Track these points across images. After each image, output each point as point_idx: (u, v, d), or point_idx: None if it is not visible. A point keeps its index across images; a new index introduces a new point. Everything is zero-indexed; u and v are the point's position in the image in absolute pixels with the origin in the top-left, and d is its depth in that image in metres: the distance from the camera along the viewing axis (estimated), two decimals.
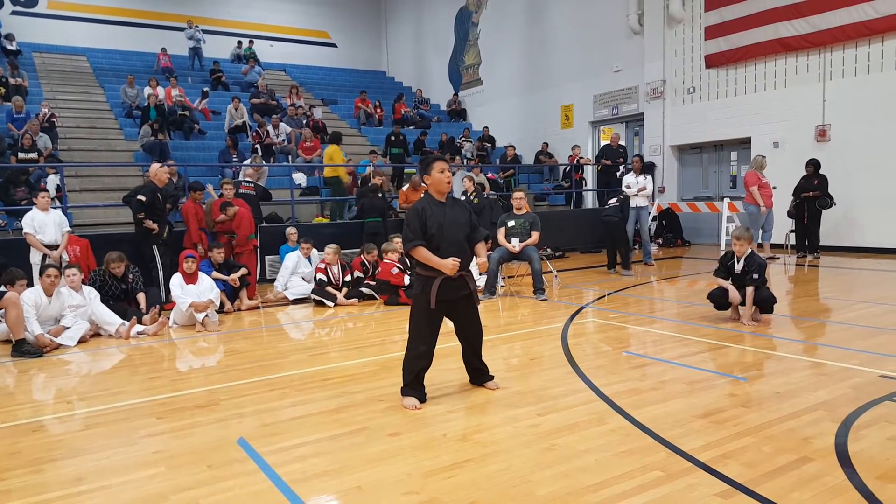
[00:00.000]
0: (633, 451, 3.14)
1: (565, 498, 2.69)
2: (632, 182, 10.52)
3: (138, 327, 6.50)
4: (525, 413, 3.74)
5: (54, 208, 8.02)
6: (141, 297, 7.03)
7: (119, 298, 6.97)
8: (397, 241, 8.17)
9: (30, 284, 6.61)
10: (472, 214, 4.19)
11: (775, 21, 12.17)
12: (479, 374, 4.29)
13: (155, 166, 8.19)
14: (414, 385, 3.98)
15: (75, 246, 8.08)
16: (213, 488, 2.89)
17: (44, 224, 7.52)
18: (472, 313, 4.12)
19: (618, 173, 13.96)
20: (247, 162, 11.70)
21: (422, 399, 3.96)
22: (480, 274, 8.60)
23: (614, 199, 10.08)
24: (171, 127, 13.72)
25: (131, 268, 7.19)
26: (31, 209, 7.66)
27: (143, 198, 7.75)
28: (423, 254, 3.85)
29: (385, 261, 8.17)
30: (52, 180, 10.17)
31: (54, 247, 7.55)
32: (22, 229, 7.54)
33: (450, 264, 3.80)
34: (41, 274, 6.25)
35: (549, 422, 3.59)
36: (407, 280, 7.81)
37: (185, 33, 19.00)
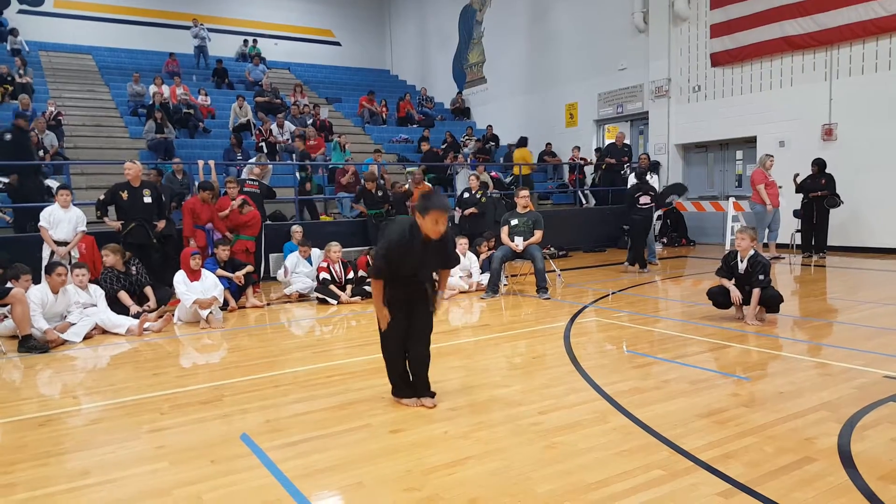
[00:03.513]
0: (634, 449, 3.15)
1: (566, 496, 2.69)
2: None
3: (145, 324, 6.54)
4: (527, 411, 3.75)
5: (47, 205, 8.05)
6: (148, 290, 7.05)
7: (129, 291, 6.98)
8: None
9: (37, 278, 6.65)
10: (451, 246, 4.01)
11: (781, 19, 12.12)
12: (418, 388, 3.96)
13: (128, 164, 8.13)
14: (401, 385, 3.96)
15: (81, 243, 8.11)
16: (216, 483, 2.91)
17: (59, 220, 7.57)
18: (422, 316, 3.87)
19: (622, 172, 13.97)
20: (252, 161, 11.73)
21: (418, 395, 3.93)
22: (482, 272, 8.63)
23: (647, 198, 9.90)
24: (175, 125, 13.75)
25: (133, 260, 7.22)
26: (48, 205, 7.75)
27: (101, 197, 7.79)
28: (378, 288, 3.78)
29: None
30: (50, 181, 10.18)
31: (65, 243, 7.59)
32: (33, 224, 7.60)
33: (384, 314, 3.77)
34: (49, 272, 6.28)
35: (551, 420, 3.59)
36: None
37: (190, 32, 19.05)
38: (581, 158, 15.23)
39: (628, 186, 10.78)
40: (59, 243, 7.54)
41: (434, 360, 4.27)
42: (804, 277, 9.17)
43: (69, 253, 7.59)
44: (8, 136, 9.88)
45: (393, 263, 3.72)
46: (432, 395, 3.98)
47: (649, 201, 9.84)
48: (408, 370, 3.97)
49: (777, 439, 3.23)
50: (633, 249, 9.85)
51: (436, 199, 3.75)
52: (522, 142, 15.74)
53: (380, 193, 10.62)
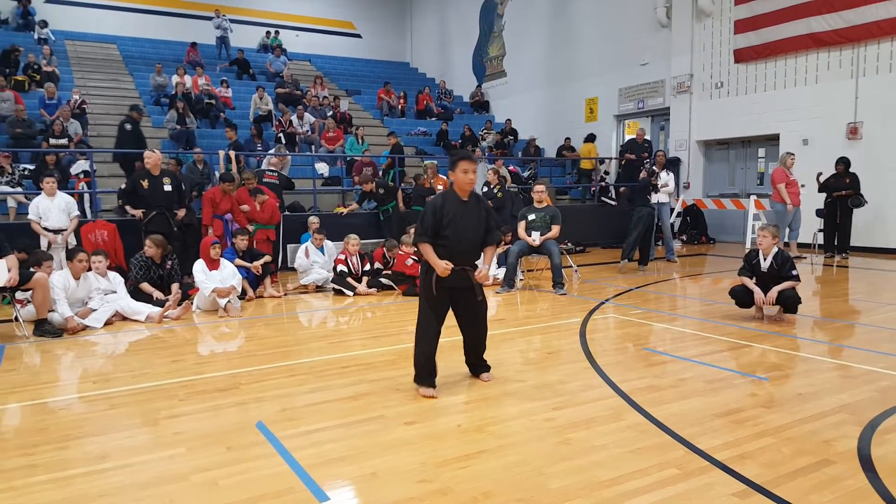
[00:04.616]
0: (649, 448, 3.13)
1: (579, 492, 2.68)
2: (663, 178, 10.39)
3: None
4: (541, 407, 3.74)
5: (73, 192, 8.13)
6: (175, 287, 7.08)
7: (156, 285, 7.00)
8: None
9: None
10: (491, 215, 4.18)
11: (807, 15, 11.90)
12: (475, 368, 4.33)
13: (147, 152, 8.18)
14: (424, 373, 4.03)
15: (103, 230, 8.23)
16: (232, 470, 2.94)
17: (48, 210, 7.62)
18: (473, 306, 4.12)
19: (642, 168, 13.84)
20: (271, 151, 11.80)
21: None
22: (499, 267, 8.61)
23: (654, 195, 9.94)
24: (197, 115, 13.86)
25: (171, 255, 7.27)
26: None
27: (122, 186, 7.85)
28: (426, 250, 3.98)
29: (400, 252, 8.22)
30: (80, 164, 10.37)
31: (58, 231, 7.64)
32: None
33: (442, 266, 3.89)
34: (70, 258, 6.37)
35: (565, 416, 3.58)
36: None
37: (212, 22, 19.15)
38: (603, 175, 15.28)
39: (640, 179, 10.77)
40: (54, 231, 7.60)
41: (449, 353, 4.33)
42: (826, 278, 9.03)
43: (66, 240, 7.66)
44: (129, 126, 10.09)
45: (429, 228, 3.93)
46: (488, 368, 4.31)
47: (656, 199, 9.88)
48: (434, 359, 4.05)
49: (795, 441, 3.19)
50: (641, 248, 9.81)
51: (462, 151, 4.18)
52: (590, 137, 15.75)
53: (381, 191, 10.57)
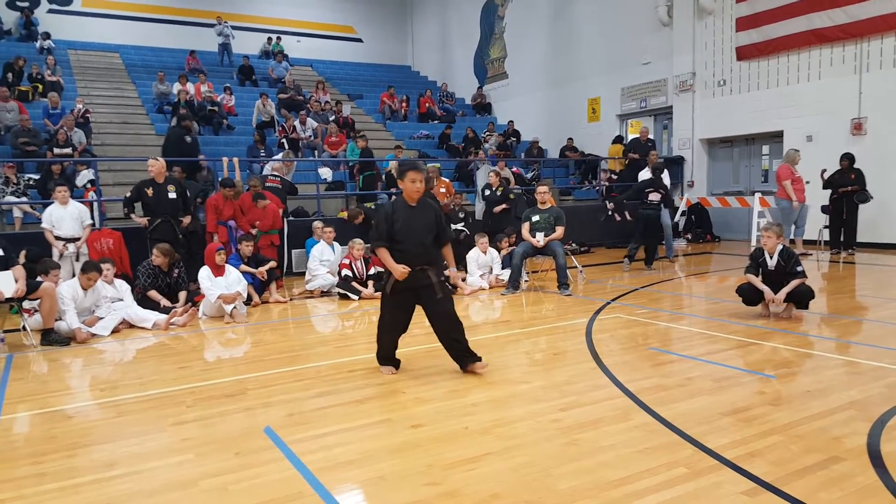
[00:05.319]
0: (657, 447, 3.12)
1: (587, 492, 2.68)
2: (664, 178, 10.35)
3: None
4: (548, 407, 3.74)
5: (82, 201, 8.18)
6: (182, 295, 7.10)
7: (163, 292, 7.02)
8: None
9: None
10: (441, 218, 4.51)
11: (810, 11, 11.86)
12: (462, 358, 4.44)
13: (151, 160, 8.19)
14: (384, 355, 4.56)
15: (108, 239, 8.27)
16: (241, 475, 2.95)
17: (61, 218, 7.65)
18: (434, 303, 4.36)
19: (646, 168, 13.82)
20: (277, 157, 11.82)
21: (395, 367, 4.54)
22: (503, 268, 8.62)
23: (657, 195, 9.86)
24: (200, 122, 13.90)
25: (178, 263, 7.28)
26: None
27: (128, 194, 7.91)
28: (383, 255, 4.32)
29: None
30: (85, 175, 10.40)
31: (72, 239, 7.68)
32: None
33: (399, 270, 4.21)
34: (85, 271, 6.38)
35: (572, 417, 3.57)
36: None
37: (214, 29, 19.23)
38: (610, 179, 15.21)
39: (639, 180, 10.71)
40: (68, 239, 7.65)
41: (397, 338, 4.57)
42: (832, 274, 8.99)
43: (78, 250, 7.69)
44: (189, 139, 10.16)
45: (384, 234, 4.28)
46: (479, 359, 4.41)
47: (658, 199, 9.78)
48: (393, 349, 4.56)
49: (804, 438, 3.17)
50: (647, 248, 9.77)
51: (409, 162, 4.57)
52: (618, 139, 15.79)
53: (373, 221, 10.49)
